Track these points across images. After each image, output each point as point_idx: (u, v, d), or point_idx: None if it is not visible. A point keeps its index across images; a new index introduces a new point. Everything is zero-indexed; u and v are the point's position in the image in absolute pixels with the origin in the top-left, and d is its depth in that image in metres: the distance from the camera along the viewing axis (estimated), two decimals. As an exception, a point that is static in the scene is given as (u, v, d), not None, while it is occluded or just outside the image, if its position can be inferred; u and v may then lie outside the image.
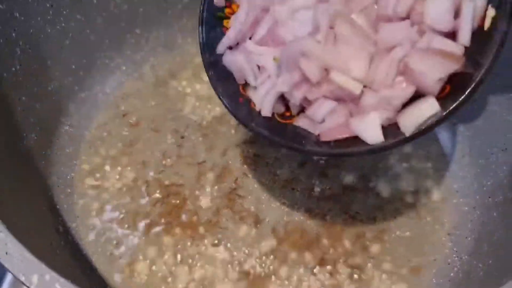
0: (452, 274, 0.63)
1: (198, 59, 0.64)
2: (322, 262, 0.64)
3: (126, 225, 0.68)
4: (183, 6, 0.82)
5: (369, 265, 0.65)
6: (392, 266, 0.65)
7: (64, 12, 0.72)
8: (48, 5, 0.69)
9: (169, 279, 0.64)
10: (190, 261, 0.65)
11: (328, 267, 0.64)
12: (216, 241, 0.66)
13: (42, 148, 0.69)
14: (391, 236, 0.67)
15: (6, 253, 0.43)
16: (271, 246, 0.66)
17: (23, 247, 0.43)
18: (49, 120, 0.71)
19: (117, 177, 0.72)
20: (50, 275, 0.42)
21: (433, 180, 0.71)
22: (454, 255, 0.65)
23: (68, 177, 0.71)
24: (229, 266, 0.64)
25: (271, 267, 0.64)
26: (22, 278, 0.42)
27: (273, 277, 0.64)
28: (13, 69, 0.64)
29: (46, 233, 0.61)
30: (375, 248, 0.66)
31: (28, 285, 0.41)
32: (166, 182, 0.71)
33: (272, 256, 0.65)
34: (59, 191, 0.69)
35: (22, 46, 0.66)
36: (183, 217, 0.68)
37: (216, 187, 0.70)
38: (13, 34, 0.64)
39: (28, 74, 0.67)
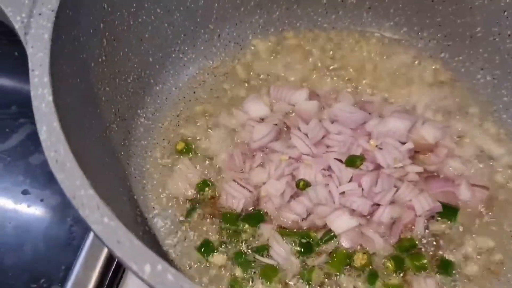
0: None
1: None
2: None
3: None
4: (255, 3, 0.82)
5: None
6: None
7: (146, 5, 0.72)
8: (130, -3, 0.70)
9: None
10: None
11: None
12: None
13: (121, 139, 0.70)
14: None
15: (118, 242, 0.43)
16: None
17: (134, 236, 0.43)
18: (127, 111, 0.72)
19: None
20: (162, 265, 0.42)
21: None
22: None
23: (144, 169, 0.72)
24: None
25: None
26: (134, 267, 0.42)
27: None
28: (100, 59, 0.65)
29: (127, 224, 0.61)
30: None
31: (141, 274, 0.41)
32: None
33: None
34: (136, 182, 0.69)
35: (108, 37, 0.66)
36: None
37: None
38: (101, 25, 0.65)
39: (111, 65, 0.68)
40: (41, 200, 0.83)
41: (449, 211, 0.69)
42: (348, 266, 0.65)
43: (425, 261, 0.66)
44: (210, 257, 0.66)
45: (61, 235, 0.80)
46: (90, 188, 0.45)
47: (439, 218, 0.69)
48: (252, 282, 0.64)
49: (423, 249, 0.67)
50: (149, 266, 0.42)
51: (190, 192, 0.70)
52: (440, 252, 0.67)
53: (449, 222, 0.69)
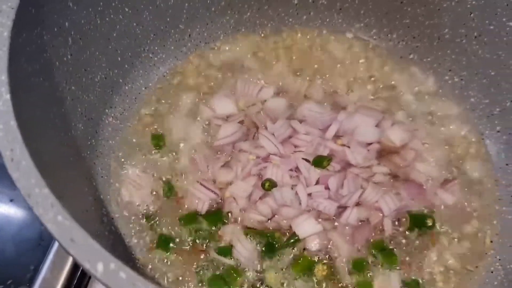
0: (496, 283, 0.63)
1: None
2: None
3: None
4: (226, 3, 0.83)
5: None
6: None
7: (113, 4, 0.72)
8: (98, -5, 0.69)
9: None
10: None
11: None
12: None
13: (88, 139, 0.69)
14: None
15: (71, 240, 0.43)
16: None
17: (88, 235, 0.43)
18: (94, 111, 0.71)
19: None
20: (115, 264, 0.42)
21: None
22: (497, 264, 0.64)
23: (111, 168, 0.72)
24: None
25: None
26: (87, 265, 0.42)
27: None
28: (65, 58, 0.65)
29: (92, 223, 0.61)
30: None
31: (93, 272, 0.41)
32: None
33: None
34: (103, 182, 0.69)
35: (74, 36, 0.66)
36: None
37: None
38: (66, 24, 0.64)
39: (78, 64, 0.67)
40: (11, 200, 0.82)
41: (417, 218, 0.70)
42: (309, 272, 0.65)
43: (396, 259, 0.66)
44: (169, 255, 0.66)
45: (31, 236, 0.79)
46: (45, 187, 0.45)
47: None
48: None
49: (395, 249, 0.67)
50: (102, 264, 0.42)
51: (148, 200, 0.70)
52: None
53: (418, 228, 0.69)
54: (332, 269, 0.65)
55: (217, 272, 0.65)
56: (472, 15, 0.74)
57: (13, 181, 0.44)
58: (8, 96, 0.48)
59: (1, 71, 0.49)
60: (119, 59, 0.76)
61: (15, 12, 0.53)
